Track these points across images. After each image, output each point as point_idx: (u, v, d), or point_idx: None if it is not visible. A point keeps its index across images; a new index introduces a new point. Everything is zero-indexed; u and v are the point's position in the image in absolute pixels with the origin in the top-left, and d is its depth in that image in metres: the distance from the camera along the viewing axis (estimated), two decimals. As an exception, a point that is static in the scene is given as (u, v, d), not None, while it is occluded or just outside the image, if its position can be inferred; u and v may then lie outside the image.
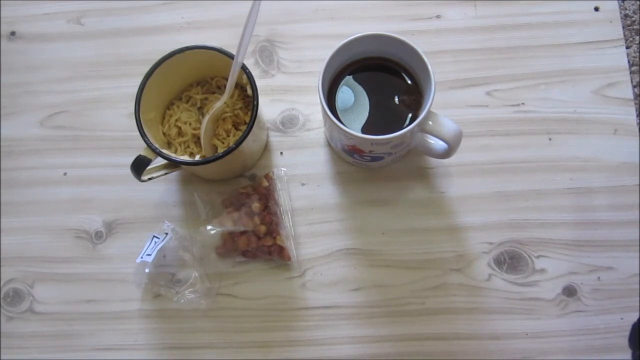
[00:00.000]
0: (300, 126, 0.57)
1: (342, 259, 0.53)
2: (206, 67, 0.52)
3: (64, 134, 0.58)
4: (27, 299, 0.54)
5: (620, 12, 0.57)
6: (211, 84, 0.54)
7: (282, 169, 0.54)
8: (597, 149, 0.54)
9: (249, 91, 0.49)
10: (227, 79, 0.48)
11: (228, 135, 0.51)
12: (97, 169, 0.56)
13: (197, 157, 0.51)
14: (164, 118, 0.53)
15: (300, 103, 0.57)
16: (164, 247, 0.52)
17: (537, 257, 0.52)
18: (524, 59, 0.57)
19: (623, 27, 0.57)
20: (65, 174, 0.57)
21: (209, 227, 0.51)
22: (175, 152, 0.52)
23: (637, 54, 0.57)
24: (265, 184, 0.53)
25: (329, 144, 0.56)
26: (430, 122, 0.46)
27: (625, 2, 0.58)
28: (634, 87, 0.56)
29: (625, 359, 0.50)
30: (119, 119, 0.57)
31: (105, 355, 0.52)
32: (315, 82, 0.46)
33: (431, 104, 0.45)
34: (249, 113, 0.51)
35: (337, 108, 0.50)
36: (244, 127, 0.50)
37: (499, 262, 0.52)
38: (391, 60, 0.50)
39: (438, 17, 0.58)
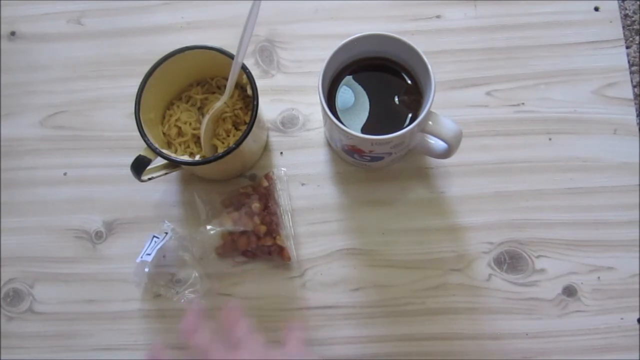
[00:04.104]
0: (300, 126, 0.57)
1: (342, 259, 0.53)
2: (206, 67, 0.52)
3: (64, 134, 0.58)
4: (27, 299, 0.54)
5: (620, 12, 0.57)
6: (211, 84, 0.54)
7: (282, 169, 0.54)
8: (597, 149, 0.54)
9: (249, 91, 0.49)
10: (227, 79, 0.48)
11: (228, 135, 0.51)
12: (97, 169, 0.56)
13: (197, 157, 0.51)
14: (164, 118, 0.53)
15: (300, 103, 0.57)
16: (164, 247, 0.52)
17: (537, 257, 0.52)
18: (524, 59, 0.57)
19: (623, 27, 0.57)
20: (65, 174, 0.57)
21: (209, 227, 0.51)
22: (175, 152, 0.52)
23: (637, 54, 0.57)
24: (265, 184, 0.53)
25: (329, 144, 0.56)
26: (430, 122, 0.46)
27: (625, 2, 0.58)
28: (634, 87, 0.55)
29: (625, 358, 0.50)
30: (119, 119, 0.57)
31: (105, 355, 0.52)
32: (315, 82, 0.46)
33: (431, 104, 0.45)
34: (249, 113, 0.51)
35: (337, 108, 0.50)
36: (244, 127, 0.50)
37: (499, 262, 0.52)
38: (391, 60, 0.50)
39: (438, 17, 0.58)
